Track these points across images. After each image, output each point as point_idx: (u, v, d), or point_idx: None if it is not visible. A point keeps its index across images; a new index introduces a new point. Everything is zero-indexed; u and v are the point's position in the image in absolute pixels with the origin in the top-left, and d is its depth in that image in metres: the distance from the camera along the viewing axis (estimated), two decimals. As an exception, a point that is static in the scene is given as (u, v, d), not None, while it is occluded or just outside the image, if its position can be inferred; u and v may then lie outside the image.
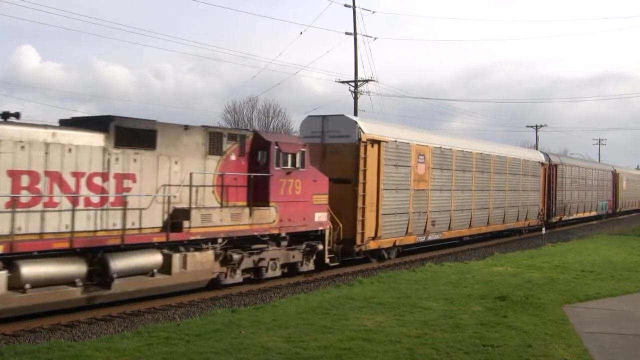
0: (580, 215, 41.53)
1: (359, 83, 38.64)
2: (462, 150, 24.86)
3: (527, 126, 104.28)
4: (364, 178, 18.47)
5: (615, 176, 51.39)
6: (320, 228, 17.00)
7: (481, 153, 26.63)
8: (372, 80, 38.77)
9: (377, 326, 10.64)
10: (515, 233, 31.60)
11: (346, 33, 38.35)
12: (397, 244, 20.80)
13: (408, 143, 20.98)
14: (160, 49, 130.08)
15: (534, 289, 14.69)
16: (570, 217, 39.40)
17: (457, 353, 9.07)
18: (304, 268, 16.86)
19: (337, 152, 18.53)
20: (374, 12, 65.83)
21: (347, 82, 39.00)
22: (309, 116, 19.77)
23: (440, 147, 23.02)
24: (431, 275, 16.95)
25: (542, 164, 34.07)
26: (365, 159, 18.52)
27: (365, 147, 18.54)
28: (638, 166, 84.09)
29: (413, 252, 23.00)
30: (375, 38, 50.31)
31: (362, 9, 40.81)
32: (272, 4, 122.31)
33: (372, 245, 19.19)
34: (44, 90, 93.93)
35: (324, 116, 19.09)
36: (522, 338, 10.06)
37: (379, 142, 19.17)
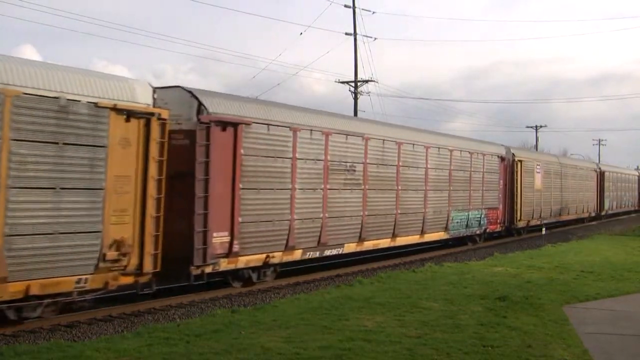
0: (402, 241, 20.52)
1: (359, 83, 38.68)
2: None
3: (527, 127, 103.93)
4: None
5: (511, 165, 28.81)
6: None
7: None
8: (372, 81, 38.85)
9: (377, 326, 10.64)
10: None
11: (346, 33, 38.39)
12: None
13: None
14: (160, 49, 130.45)
15: (534, 289, 14.69)
16: (365, 249, 18.95)
17: (457, 353, 9.08)
18: None
19: None
20: (374, 12, 65.66)
21: (347, 82, 39.03)
22: None
23: None
24: (431, 276, 16.95)
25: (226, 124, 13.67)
26: None
27: None
28: (638, 166, 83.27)
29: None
30: (375, 38, 50.23)
31: (362, 9, 40.83)
32: (273, 4, 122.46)
33: None
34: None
35: None
36: (522, 338, 10.06)
37: None
